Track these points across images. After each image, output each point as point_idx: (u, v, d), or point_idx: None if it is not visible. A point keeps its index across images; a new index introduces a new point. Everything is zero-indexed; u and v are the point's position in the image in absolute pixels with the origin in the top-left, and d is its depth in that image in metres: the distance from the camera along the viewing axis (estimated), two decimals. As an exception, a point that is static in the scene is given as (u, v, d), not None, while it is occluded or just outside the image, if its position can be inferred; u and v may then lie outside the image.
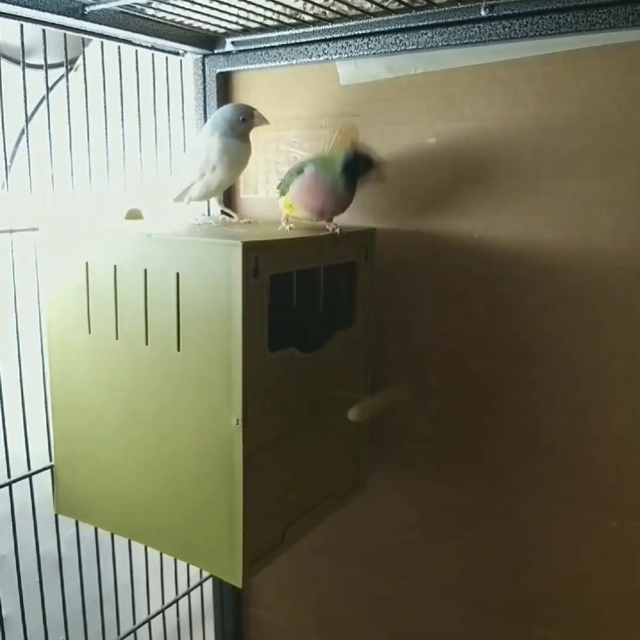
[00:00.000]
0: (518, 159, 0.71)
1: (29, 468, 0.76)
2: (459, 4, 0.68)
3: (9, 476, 0.75)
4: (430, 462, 0.82)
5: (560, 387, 0.72)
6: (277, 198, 0.75)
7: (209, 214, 0.90)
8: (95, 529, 0.83)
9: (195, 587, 1.00)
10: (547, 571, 0.77)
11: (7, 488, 0.74)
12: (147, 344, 0.66)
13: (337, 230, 0.71)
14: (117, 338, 0.68)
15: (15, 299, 0.73)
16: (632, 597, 0.72)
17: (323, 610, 0.95)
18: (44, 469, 0.77)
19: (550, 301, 0.72)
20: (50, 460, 0.77)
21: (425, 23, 0.71)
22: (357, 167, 0.68)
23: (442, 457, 0.81)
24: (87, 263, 0.68)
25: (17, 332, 0.74)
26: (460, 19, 0.69)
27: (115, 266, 0.66)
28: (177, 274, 0.62)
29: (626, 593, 0.72)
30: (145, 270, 0.64)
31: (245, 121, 0.75)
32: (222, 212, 0.85)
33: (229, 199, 0.90)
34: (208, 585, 1.03)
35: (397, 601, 0.88)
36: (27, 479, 0.76)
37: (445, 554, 0.83)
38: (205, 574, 1.01)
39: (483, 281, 0.75)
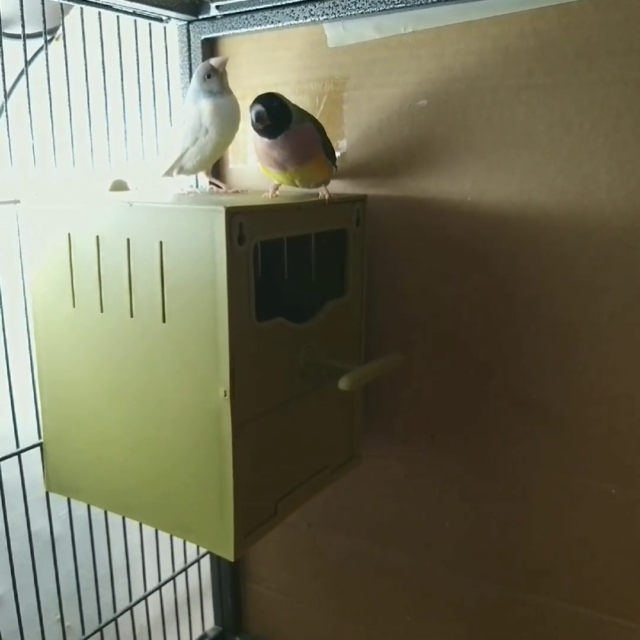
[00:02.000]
0: (511, 119, 0.69)
1: (18, 446, 0.75)
2: (448, -43, 0.66)
3: (-3, 454, 0.74)
4: (425, 432, 0.81)
5: (557, 350, 0.71)
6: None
7: (197, 185, 0.88)
8: (88, 507, 0.82)
9: (193, 563, 1.00)
10: (544, 539, 0.76)
11: (-5, 467, 0.73)
12: (132, 316, 0.64)
13: (327, 196, 0.69)
14: (101, 311, 0.66)
15: (-2, 274, 0.72)
16: (630, 564, 0.71)
17: (321, 584, 0.95)
18: (33, 446, 0.76)
19: (546, 263, 0.70)
20: (39, 437, 0.76)
21: (414, -21, 0.69)
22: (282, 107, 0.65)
23: (437, 427, 0.80)
24: (69, 234, 0.67)
25: (1, 308, 0.72)
26: (449, -27, 0.67)
27: (97, 237, 0.65)
28: (161, 243, 0.61)
29: (624, 560, 0.71)
30: (128, 240, 0.63)
31: (211, 77, 0.73)
32: (210, 183, 0.83)
33: (217, 169, 0.88)
34: (205, 562, 1.03)
35: (395, 572, 0.88)
36: (16, 457, 0.75)
37: (442, 524, 0.82)
38: (202, 550, 1.00)
39: (477, 246, 0.73)
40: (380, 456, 0.84)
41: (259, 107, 0.63)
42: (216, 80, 0.73)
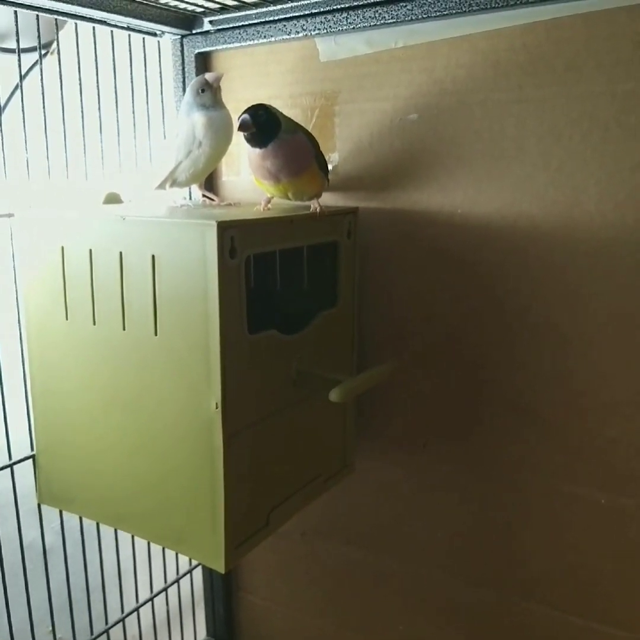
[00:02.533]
0: (501, 132, 0.70)
1: (10, 458, 0.75)
2: (438, -26, 0.67)
3: (-11, 466, 0.74)
4: (418, 439, 0.81)
5: (547, 359, 0.71)
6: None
7: (190, 198, 0.89)
8: (80, 519, 0.82)
9: (185, 574, 0.99)
10: (538, 546, 0.76)
11: (-12, 478, 0.73)
12: (124, 329, 0.64)
13: (318, 210, 0.69)
14: (94, 324, 0.66)
15: (-8, 286, 0.72)
16: (621, 573, 0.71)
17: (315, 593, 0.95)
18: (26, 458, 0.76)
19: (536, 273, 0.71)
20: (32, 449, 0.76)
21: (404, -5, 0.70)
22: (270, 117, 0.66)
23: (430, 434, 0.81)
24: (62, 247, 0.67)
25: (-5, 320, 0.73)
26: (439, -11, 0.68)
27: (90, 250, 0.65)
28: (153, 257, 0.61)
29: (615, 569, 0.71)
30: (121, 254, 0.63)
31: (205, 91, 0.74)
32: (203, 195, 0.84)
33: (210, 181, 0.88)
34: (198, 573, 1.03)
35: (390, 579, 0.88)
36: (8, 469, 0.75)
37: (437, 531, 0.83)
38: (194, 561, 1.00)
39: (468, 256, 0.74)
40: (374, 462, 0.84)
41: (244, 116, 0.65)
42: (210, 95, 0.74)
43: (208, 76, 0.74)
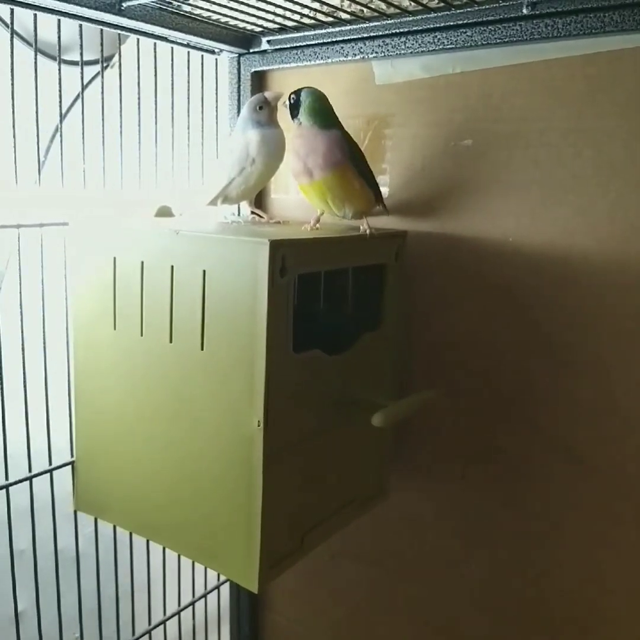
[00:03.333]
0: (558, 161, 0.69)
1: (51, 463, 0.76)
2: (500, 1, 0.66)
3: (30, 471, 0.74)
4: (455, 467, 0.80)
5: (592, 395, 0.70)
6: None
7: (238, 214, 0.90)
8: (114, 527, 0.82)
9: (212, 590, 0.99)
10: (570, 584, 0.74)
11: (27, 482, 0.74)
12: (171, 342, 0.65)
13: (368, 232, 0.69)
14: (141, 335, 0.67)
15: (43, 293, 0.73)
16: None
17: (340, 617, 0.94)
18: (65, 464, 0.77)
19: (587, 309, 0.69)
20: (72, 456, 0.77)
21: (465, 22, 0.70)
22: (298, 100, 0.70)
23: (467, 463, 0.79)
24: (114, 258, 0.68)
25: (44, 327, 0.74)
26: (500, 17, 0.67)
27: (142, 262, 0.66)
28: (204, 272, 0.61)
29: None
30: (172, 267, 0.64)
31: (263, 108, 0.74)
32: (252, 212, 0.84)
33: (259, 198, 0.89)
34: (225, 589, 1.02)
35: (416, 608, 0.86)
36: (48, 474, 0.75)
37: (468, 562, 0.81)
38: (222, 577, 1.00)
39: (516, 286, 0.73)
40: (408, 489, 0.83)
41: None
42: (267, 113, 0.75)
43: (268, 94, 0.75)
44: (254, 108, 0.74)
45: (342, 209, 0.71)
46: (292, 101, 0.71)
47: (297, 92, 0.70)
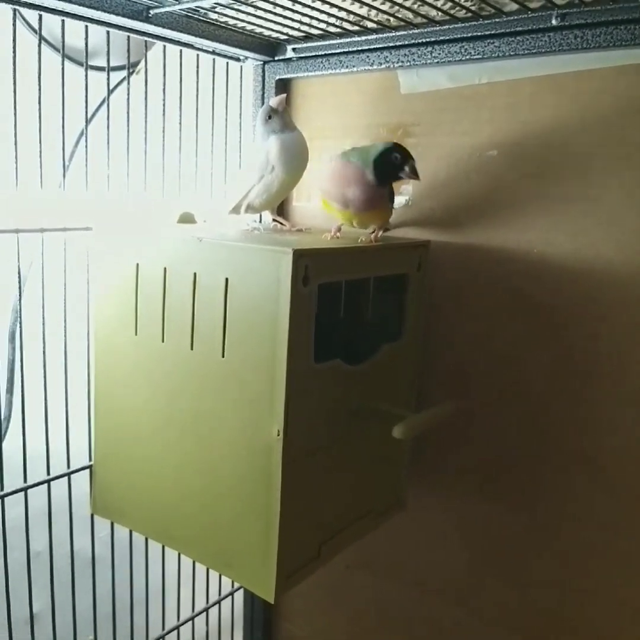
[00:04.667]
0: (585, 174, 0.68)
1: (69, 467, 0.76)
2: (529, 12, 0.66)
3: (48, 474, 0.75)
4: (474, 481, 0.79)
5: (617, 409, 0.69)
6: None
7: (260, 221, 0.90)
8: (130, 532, 0.82)
9: (227, 596, 0.99)
10: (593, 601, 0.72)
11: (45, 485, 0.74)
12: (192, 349, 0.65)
13: (372, 238, 0.68)
14: (163, 341, 0.67)
15: (65, 297, 0.74)
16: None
17: (354, 629, 0.93)
18: (83, 468, 0.77)
19: (611, 322, 0.68)
20: (90, 459, 0.77)
21: (493, 32, 0.69)
22: (390, 157, 0.66)
23: (486, 476, 0.78)
24: (137, 264, 0.68)
25: (65, 331, 0.74)
26: (529, 28, 0.67)
27: (165, 268, 0.66)
28: (226, 279, 0.61)
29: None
30: (195, 274, 0.64)
31: (272, 117, 0.74)
32: (274, 220, 0.84)
33: (281, 206, 0.89)
34: (239, 596, 1.02)
35: (431, 623, 0.85)
36: (66, 478, 0.76)
37: (485, 579, 0.80)
38: (236, 584, 1.00)
39: (540, 298, 0.72)
40: (425, 502, 0.83)
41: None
42: (278, 119, 0.74)
43: (271, 102, 0.75)
44: (264, 120, 0.74)
45: (365, 227, 0.71)
46: (399, 155, 0.66)
47: (396, 147, 0.67)
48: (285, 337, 0.58)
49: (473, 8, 0.67)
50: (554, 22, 0.65)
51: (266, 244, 0.61)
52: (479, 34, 0.70)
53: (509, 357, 0.75)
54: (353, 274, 0.68)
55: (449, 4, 0.66)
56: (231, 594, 1.00)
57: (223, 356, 0.63)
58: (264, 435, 0.61)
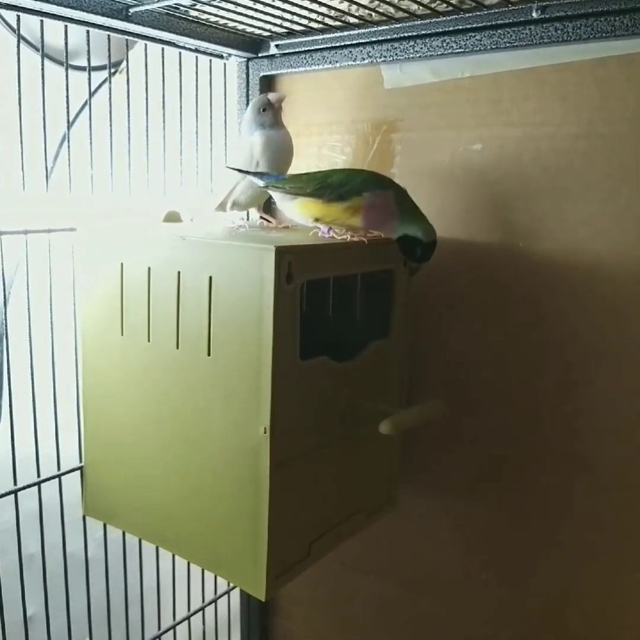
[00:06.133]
0: (568, 166, 0.68)
1: (59, 468, 0.76)
2: (510, 5, 0.66)
3: (38, 476, 0.74)
4: (464, 482, 0.79)
5: (607, 407, 0.69)
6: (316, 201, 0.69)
7: (247, 219, 0.89)
8: (123, 532, 0.82)
9: (222, 595, 0.99)
10: (587, 602, 0.73)
11: (36, 487, 0.74)
12: (178, 348, 0.65)
13: (355, 238, 0.68)
14: (148, 341, 0.67)
15: (51, 298, 0.74)
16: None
17: (350, 627, 0.93)
18: (73, 470, 0.77)
19: (598, 315, 0.68)
20: (80, 461, 0.77)
21: (474, 25, 0.69)
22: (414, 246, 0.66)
23: (478, 476, 0.78)
24: (122, 264, 0.68)
25: (52, 332, 0.74)
26: (510, 21, 0.67)
27: (149, 268, 0.66)
28: (210, 278, 0.61)
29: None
30: (179, 273, 0.63)
31: (266, 110, 0.74)
32: (261, 217, 0.84)
33: (268, 203, 0.89)
34: (235, 594, 1.02)
35: (426, 623, 0.85)
36: (56, 480, 0.76)
37: (479, 578, 0.80)
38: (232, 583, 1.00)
39: (527, 293, 0.72)
40: (417, 500, 0.83)
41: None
42: (270, 115, 0.74)
43: (271, 96, 0.75)
44: (257, 110, 0.74)
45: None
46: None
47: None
48: (270, 335, 0.58)
49: (453, 2, 0.66)
50: (534, 14, 0.65)
51: (249, 242, 0.61)
52: (461, 27, 0.70)
53: (497, 353, 0.75)
54: (338, 270, 0.67)
55: (429, -2, 0.66)
56: (227, 592, 1.00)
57: (209, 355, 0.62)
58: (252, 433, 0.61)
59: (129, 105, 0.79)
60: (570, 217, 0.69)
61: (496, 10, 0.67)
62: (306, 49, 0.82)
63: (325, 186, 0.68)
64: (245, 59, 0.88)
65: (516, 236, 0.72)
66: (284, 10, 0.72)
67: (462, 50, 0.71)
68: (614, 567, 0.70)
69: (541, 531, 0.75)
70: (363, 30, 0.76)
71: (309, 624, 0.97)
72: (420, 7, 0.68)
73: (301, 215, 0.69)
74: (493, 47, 0.69)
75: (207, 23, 0.79)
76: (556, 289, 0.70)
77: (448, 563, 0.82)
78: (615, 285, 0.67)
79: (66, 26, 0.70)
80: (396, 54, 0.75)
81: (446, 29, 0.71)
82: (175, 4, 0.69)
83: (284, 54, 0.84)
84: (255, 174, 0.73)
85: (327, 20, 0.75)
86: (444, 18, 0.70)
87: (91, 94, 0.76)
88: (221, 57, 0.87)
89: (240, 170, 0.73)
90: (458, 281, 0.77)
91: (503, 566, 0.78)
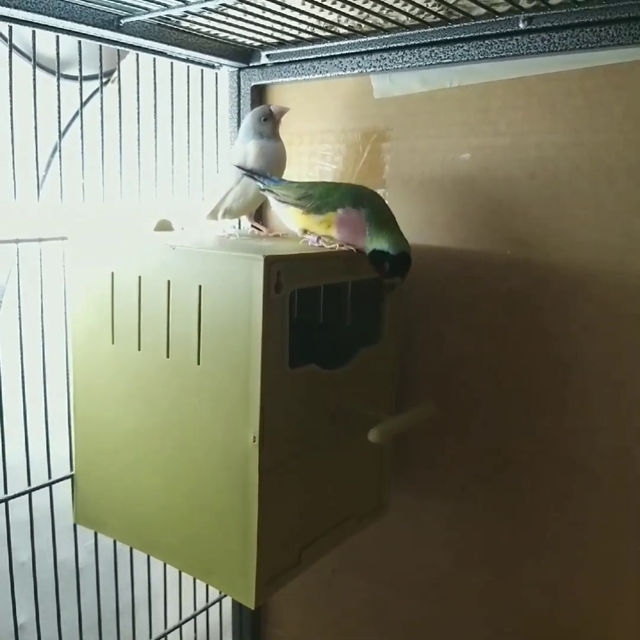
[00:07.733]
0: (555, 175, 0.69)
1: (50, 477, 0.76)
2: (497, 16, 0.67)
3: (29, 484, 0.75)
4: (457, 484, 0.79)
5: (598, 408, 0.69)
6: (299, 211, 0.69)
7: (239, 227, 0.90)
8: (114, 540, 0.82)
9: (214, 603, 0.99)
10: (578, 599, 0.73)
11: (27, 496, 0.74)
12: (168, 356, 0.65)
13: (342, 247, 0.68)
14: (139, 349, 0.67)
15: (42, 307, 0.74)
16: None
17: (343, 633, 0.93)
18: (64, 478, 0.77)
19: (587, 320, 0.69)
20: (71, 469, 0.77)
21: (462, 36, 0.70)
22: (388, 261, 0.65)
23: (470, 478, 0.79)
24: (112, 273, 0.68)
25: (43, 341, 0.74)
26: (497, 31, 0.68)
27: (139, 277, 0.66)
28: (200, 287, 0.62)
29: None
30: (169, 282, 0.64)
31: (267, 120, 0.75)
32: (252, 225, 0.84)
33: (259, 211, 0.89)
34: (227, 602, 1.02)
35: (420, 626, 0.85)
36: (47, 488, 0.76)
37: (472, 579, 0.80)
38: (224, 590, 1.00)
39: (516, 299, 0.73)
40: (409, 504, 0.83)
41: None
42: (270, 125, 0.75)
43: (273, 107, 0.75)
44: (258, 119, 0.75)
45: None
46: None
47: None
48: (259, 344, 0.58)
49: (442, 13, 0.67)
50: (521, 25, 0.66)
51: (239, 251, 0.61)
52: (449, 38, 0.71)
53: (490, 358, 0.75)
54: (327, 279, 0.68)
55: (418, 9, 0.66)
56: (219, 599, 1.00)
57: (199, 363, 0.63)
58: (240, 442, 0.61)
59: (120, 114, 0.79)
60: (558, 224, 0.69)
61: (483, 21, 0.68)
62: (297, 59, 0.83)
63: (307, 197, 0.68)
64: (237, 69, 0.88)
65: (504, 243, 0.72)
66: (274, 21, 0.72)
67: (451, 60, 0.72)
68: (606, 566, 0.71)
69: (534, 531, 0.75)
70: (353, 41, 0.77)
71: (300, 630, 0.97)
72: (409, 18, 0.69)
73: (292, 223, 0.70)
74: (481, 57, 0.70)
75: (199, 33, 0.80)
76: (545, 295, 0.71)
77: (441, 564, 0.82)
78: (603, 288, 0.67)
79: (58, 37, 0.71)
80: (385, 64, 0.76)
81: (434, 40, 0.72)
82: (167, 15, 0.69)
83: (275, 64, 0.85)
84: (255, 174, 0.73)
85: (318, 31, 0.76)
86: (433, 29, 0.71)
87: (83, 104, 0.77)
88: (213, 67, 0.88)
89: (241, 168, 0.74)
90: (446, 288, 0.77)
91: (496, 566, 0.78)
